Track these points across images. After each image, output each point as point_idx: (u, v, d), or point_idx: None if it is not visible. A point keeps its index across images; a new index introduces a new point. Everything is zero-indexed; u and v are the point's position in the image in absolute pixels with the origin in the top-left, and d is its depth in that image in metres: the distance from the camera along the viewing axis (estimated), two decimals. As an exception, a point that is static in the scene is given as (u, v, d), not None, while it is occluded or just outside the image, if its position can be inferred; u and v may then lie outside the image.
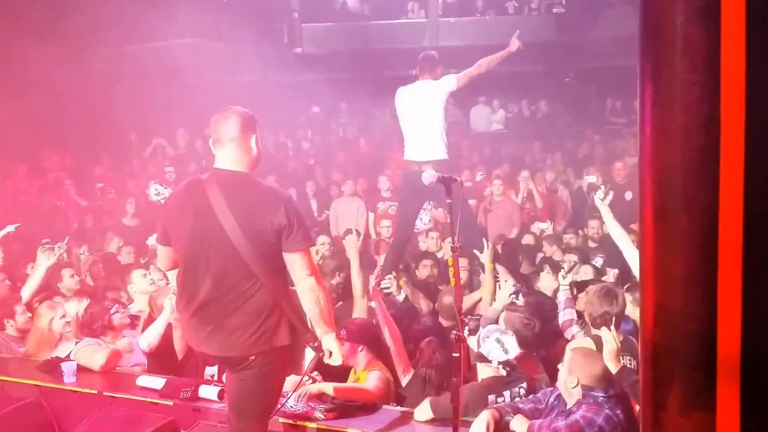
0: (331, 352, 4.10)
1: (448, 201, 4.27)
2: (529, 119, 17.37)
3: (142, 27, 14.55)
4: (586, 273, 6.90)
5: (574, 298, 5.84)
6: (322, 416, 4.65)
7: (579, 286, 6.05)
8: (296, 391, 4.68)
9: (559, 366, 4.44)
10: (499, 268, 6.58)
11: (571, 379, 4.23)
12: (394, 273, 6.79)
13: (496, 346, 4.78)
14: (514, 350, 4.78)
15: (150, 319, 5.96)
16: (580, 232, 9.20)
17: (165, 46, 15.08)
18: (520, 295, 5.87)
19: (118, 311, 5.84)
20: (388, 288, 6.51)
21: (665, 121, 1.18)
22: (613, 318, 4.88)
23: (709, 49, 1.10)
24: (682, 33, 1.15)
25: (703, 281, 1.11)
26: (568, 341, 5.30)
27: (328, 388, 4.85)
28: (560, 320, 5.65)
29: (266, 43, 17.31)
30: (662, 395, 1.20)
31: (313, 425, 4.66)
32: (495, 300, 5.84)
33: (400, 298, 6.53)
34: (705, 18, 1.13)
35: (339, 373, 5.09)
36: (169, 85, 16.49)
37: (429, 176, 4.30)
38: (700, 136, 1.12)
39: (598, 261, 7.73)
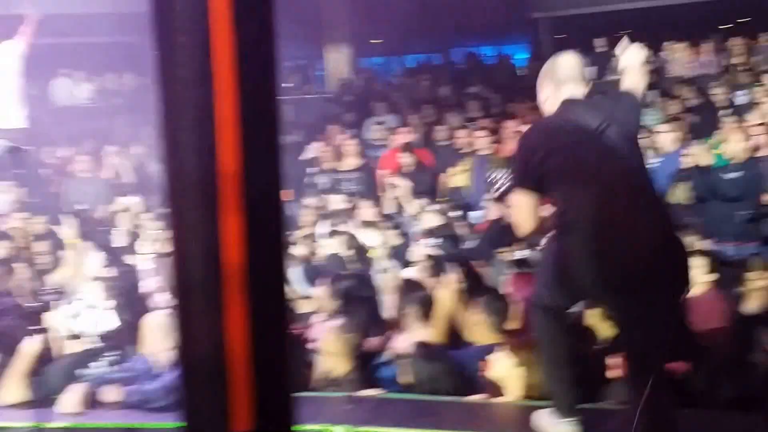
0: None
1: (17, 172, 4.14)
2: (117, 93, 16.92)
3: None
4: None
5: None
6: None
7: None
8: None
9: (147, 334, 4.56)
10: (84, 243, 6.47)
11: (164, 342, 4.39)
12: None
13: (91, 319, 4.77)
14: (111, 322, 4.80)
15: None
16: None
17: None
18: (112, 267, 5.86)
19: None
20: None
21: (168, 75, 1.41)
22: None
23: (199, 14, 1.34)
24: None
25: (207, 210, 1.37)
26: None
27: None
28: (143, 289, 5.72)
29: None
30: (184, 304, 1.45)
31: None
32: (81, 275, 5.74)
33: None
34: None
35: None
36: None
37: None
38: (197, 88, 1.37)
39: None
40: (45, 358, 4.55)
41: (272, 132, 1.40)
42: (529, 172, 3.52)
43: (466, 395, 4.51)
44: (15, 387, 4.43)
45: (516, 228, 3.70)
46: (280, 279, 1.48)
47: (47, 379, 4.51)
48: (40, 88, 16.08)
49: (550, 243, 3.72)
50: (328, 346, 4.76)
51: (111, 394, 4.39)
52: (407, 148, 9.18)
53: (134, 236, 7.47)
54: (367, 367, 4.87)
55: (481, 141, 8.90)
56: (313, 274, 6.13)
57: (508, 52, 16.80)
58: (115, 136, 12.83)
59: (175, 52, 1.34)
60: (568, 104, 3.59)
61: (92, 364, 4.68)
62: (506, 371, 4.41)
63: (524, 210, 3.55)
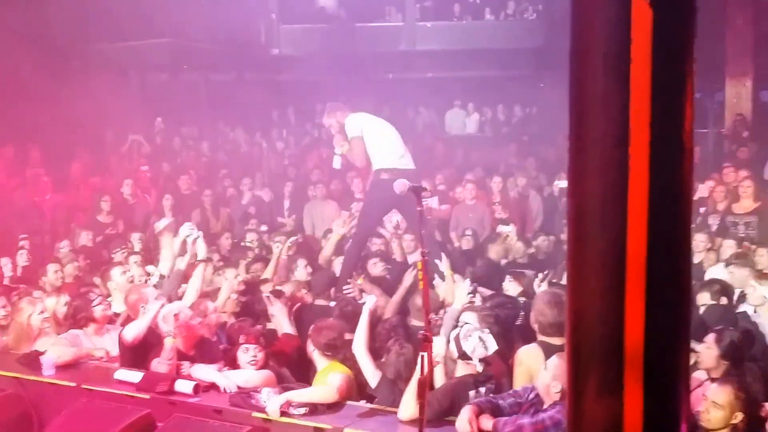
0: None
1: (419, 209, 4.42)
2: (504, 123, 17.59)
3: (120, 25, 14.59)
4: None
5: None
6: (298, 412, 4.82)
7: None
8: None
9: (542, 368, 4.55)
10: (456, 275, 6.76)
11: (554, 384, 4.34)
12: (354, 274, 7.00)
13: (478, 344, 4.90)
14: (493, 346, 4.91)
15: (128, 318, 6.01)
16: (552, 237, 9.27)
17: (142, 45, 15.14)
18: (478, 295, 6.01)
19: (101, 303, 5.93)
20: (350, 291, 6.68)
21: (585, 163, 1.52)
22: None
23: (620, 105, 1.36)
24: (600, 91, 1.48)
25: (614, 292, 1.38)
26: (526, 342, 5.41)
27: (295, 396, 4.97)
28: (520, 321, 5.79)
29: (243, 43, 17.39)
30: (581, 385, 1.47)
31: (287, 420, 4.82)
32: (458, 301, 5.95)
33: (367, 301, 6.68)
34: (618, 79, 1.43)
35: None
36: (146, 82, 16.55)
37: (400, 185, 4.47)
38: (612, 175, 1.42)
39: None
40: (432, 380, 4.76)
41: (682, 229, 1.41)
42: None
43: None
44: (409, 404, 4.67)
45: None
46: (680, 363, 1.43)
47: (437, 399, 4.74)
48: (437, 117, 17.36)
49: None
50: (710, 407, 4.40)
51: (487, 419, 4.48)
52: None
53: (509, 267, 7.65)
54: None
55: None
56: (697, 326, 5.69)
57: None
58: (501, 165, 13.30)
59: (587, 137, 1.37)
60: None
61: (478, 388, 4.82)
62: None
63: None
